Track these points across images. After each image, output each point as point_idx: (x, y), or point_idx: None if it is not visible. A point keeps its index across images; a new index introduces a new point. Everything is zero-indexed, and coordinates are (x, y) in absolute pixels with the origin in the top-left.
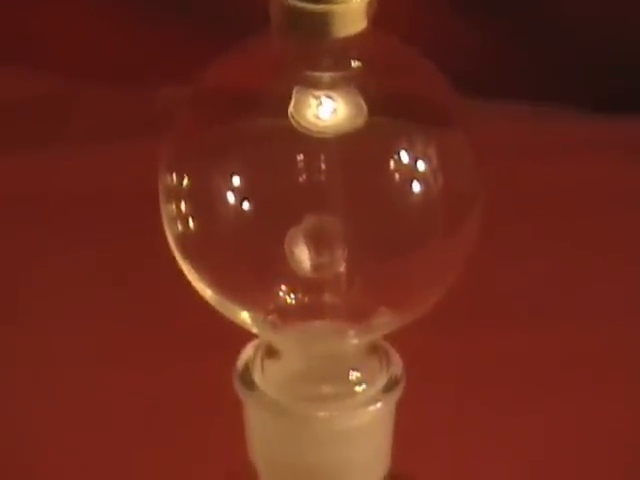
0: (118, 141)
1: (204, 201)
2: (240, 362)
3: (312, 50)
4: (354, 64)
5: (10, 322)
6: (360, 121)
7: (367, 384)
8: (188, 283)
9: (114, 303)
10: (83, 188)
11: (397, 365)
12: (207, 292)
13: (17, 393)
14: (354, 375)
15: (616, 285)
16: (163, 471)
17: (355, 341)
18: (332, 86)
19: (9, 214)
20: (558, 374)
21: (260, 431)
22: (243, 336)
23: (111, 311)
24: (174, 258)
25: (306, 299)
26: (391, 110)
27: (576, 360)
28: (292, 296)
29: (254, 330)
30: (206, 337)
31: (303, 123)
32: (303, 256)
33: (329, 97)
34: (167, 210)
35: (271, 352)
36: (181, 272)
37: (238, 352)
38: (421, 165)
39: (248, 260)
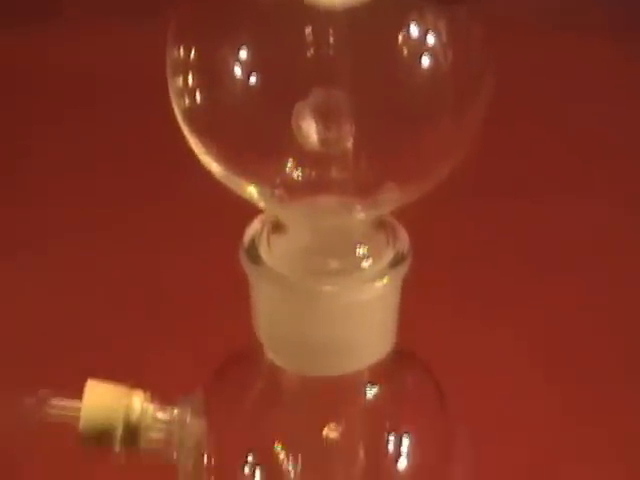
0: (120, 17)
1: (211, 74)
2: (246, 237)
3: None
4: None
5: (10, 187)
6: None
7: (374, 259)
8: (195, 159)
9: (117, 178)
10: (85, 63)
11: (404, 241)
12: (214, 166)
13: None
14: (361, 250)
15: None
16: (170, 345)
17: (362, 216)
18: None
19: (8, 86)
20: (563, 250)
21: (266, 306)
22: (250, 211)
23: (114, 185)
24: (181, 133)
25: (313, 174)
26: None
27: (583, 236)
28: (299, 171)
29: (261, 204)
30: (213, 212)
31: None
32: (310, 130)
33: None
34: (174, 84)
35: (278, 227)
36: (188, 149)
37: (245, 227)
38: (430, 39)
39: (255, 134)
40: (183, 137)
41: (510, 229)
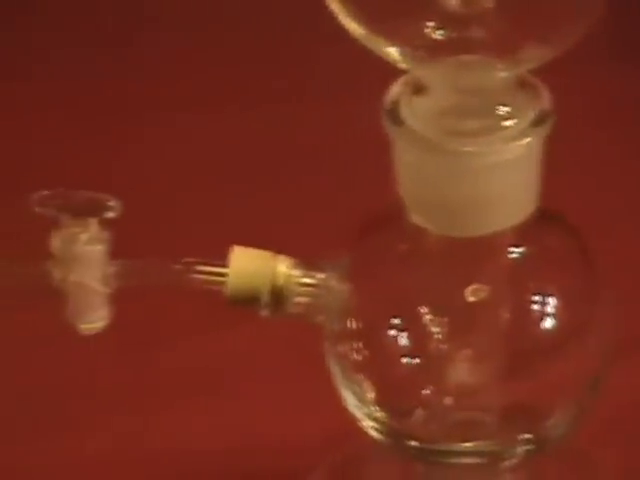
0: None
1: None
2: (388, 99)
3: None
4: None
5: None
6: None
7: (516, 119)
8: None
9: None
10: None
11: (546, 100)
12: (357, 29)
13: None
14: (503, 110)
15: None
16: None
17: (503, 74)
18: None
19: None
20: None
21: (408, 168)
22: (391, 74)
23: None
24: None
25: (454, 33)
26: None
27: None
28: (440, 30)
29: (402, 65)
30: (354, 75)
31: None
32: None
33: None
34: None
35: (419, 88)
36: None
37: (386, 90)
38: None
39: None
40: None
41: None
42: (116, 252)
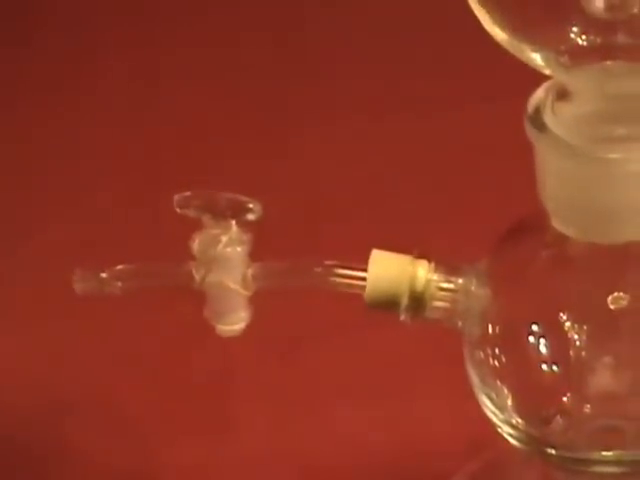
0: None
1: None
2: (531, 104)
3: None
4: None
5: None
6: None
7: None
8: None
9: None
10: None
11: None
12: (500, 35)
13: None
14: None
15: None
16: (453, 215)
17: None
18: None
19: None
20: None
21: (552, 174)
22: (535, 79)
23: None
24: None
25: (598, 40)
26: None
27: None
28: (585, 36)
29: (547, 71)
30: (496, 82)
31: None
32: None
33: None
34: None
35: (563, 94)
36: None
37: (530, 96)
38: None
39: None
40: None
41: None
42: (257, 254)
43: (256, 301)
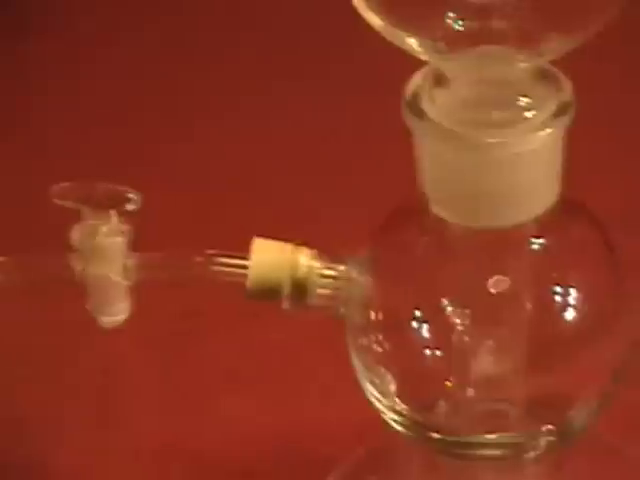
0: None
1: None
2: (408, 90)
3: None
4: None
5: None
6: None
7: (537, 110)
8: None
9: None
10: None
11: (567, 91)
12: (376, 20)
13: None
14: (524, 101)
15: None
16: (333, 203)
17: (524, 65)
18: None
19: None
20: None
21: (430, 160)
22: (410, 67)
23: None
24: None
25: (474, 25)
26: None
27: None
28: (460, 22)
29: (423, 57)
30: (377, 70)
31: None
32: None
33: None
34: None
35: (440, 80)
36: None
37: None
38: None
39: None
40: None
41: None
42: (137, 244)
43: (139, 295)
